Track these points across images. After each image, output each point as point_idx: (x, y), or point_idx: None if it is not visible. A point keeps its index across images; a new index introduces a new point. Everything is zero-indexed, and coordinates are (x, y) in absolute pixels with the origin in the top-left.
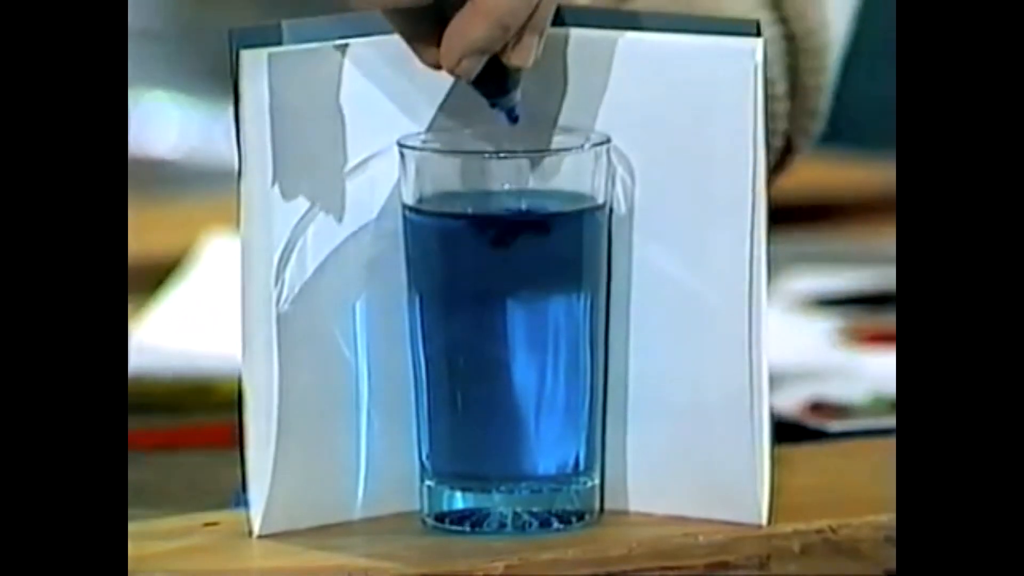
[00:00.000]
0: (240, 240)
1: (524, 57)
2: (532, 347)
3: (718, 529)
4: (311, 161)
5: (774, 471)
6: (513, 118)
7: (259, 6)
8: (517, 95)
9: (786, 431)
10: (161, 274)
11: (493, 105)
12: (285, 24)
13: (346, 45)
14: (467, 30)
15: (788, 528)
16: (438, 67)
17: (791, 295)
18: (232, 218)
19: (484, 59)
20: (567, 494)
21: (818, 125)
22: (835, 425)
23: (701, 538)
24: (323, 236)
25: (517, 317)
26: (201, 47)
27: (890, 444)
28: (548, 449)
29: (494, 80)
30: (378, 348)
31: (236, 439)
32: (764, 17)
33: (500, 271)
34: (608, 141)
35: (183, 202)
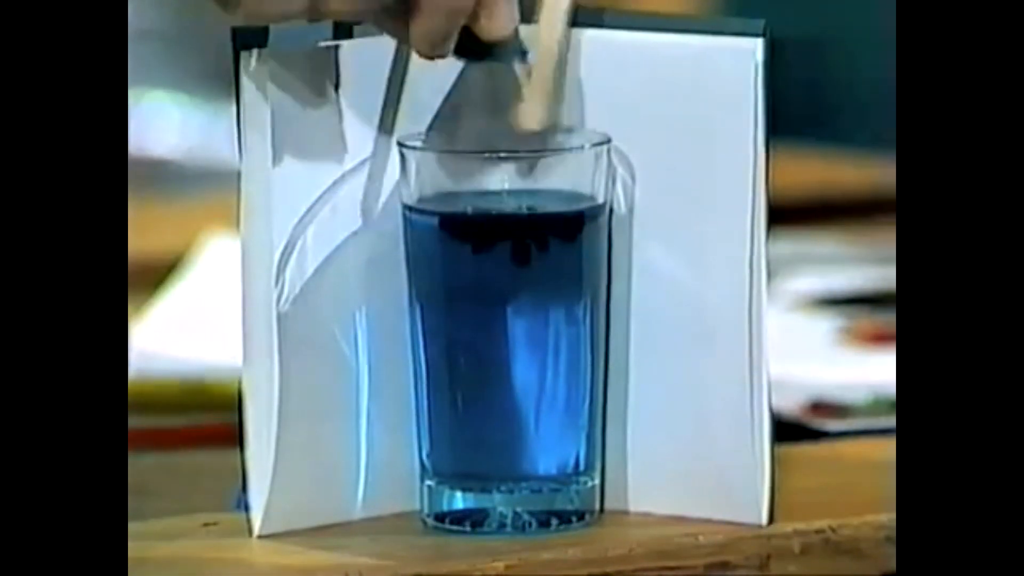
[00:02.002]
0: (240, 240)
1: (500, 28)
2: (532, 347)
3: (718, 529)
4: (311, 161)
5: (774, 471)
6: (523, 54)
7: None
8: (517, 42)
9: (786, 431)
10: (161, 274)
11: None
12: (286, 24)
13: (346, 45)
14: (421, 25)
15: (788, 528)
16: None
17: (791, 295)
18: (232, 218)
19: (452, 40)
20: (567, 494)
21: None
22: (835, 425)
23: (701, 538)
24: (323, 236)
25: (517, 317)
26: (201, 47)
27: (890, 444)
28: (548, 449)
29: (481, 47)
30: (378, 348)
31: (236, 439)
32: None
33: (500, 271)
34: (608, 141)
35: (183, 202)
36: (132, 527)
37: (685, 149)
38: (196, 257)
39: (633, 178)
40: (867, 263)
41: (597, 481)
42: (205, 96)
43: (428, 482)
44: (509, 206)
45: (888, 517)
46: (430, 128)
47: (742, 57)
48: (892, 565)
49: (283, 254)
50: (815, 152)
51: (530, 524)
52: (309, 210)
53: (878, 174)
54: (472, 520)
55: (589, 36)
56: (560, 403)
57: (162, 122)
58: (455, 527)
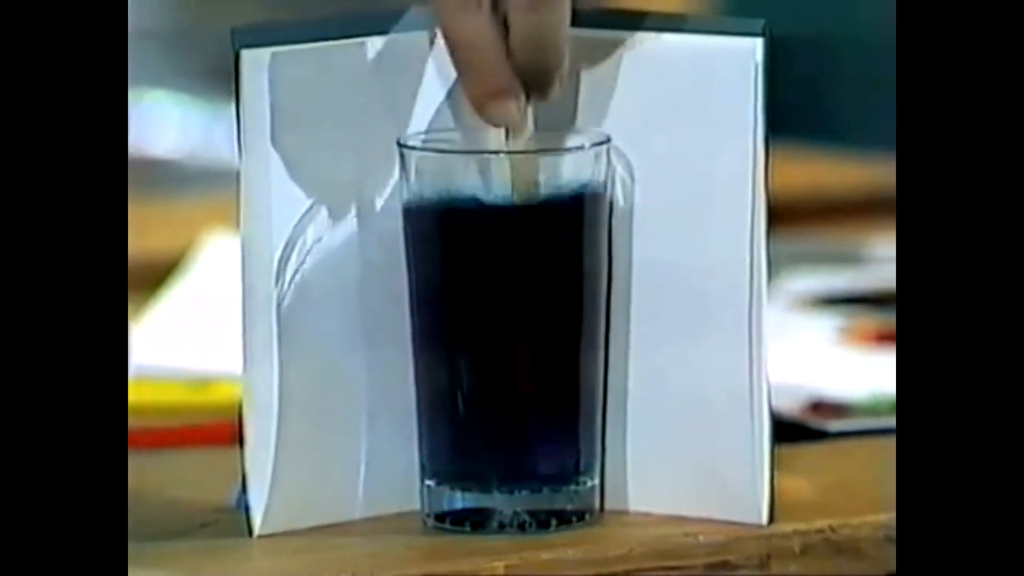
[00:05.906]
0: (240, 240)
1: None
2: (532, 346)
3: (718, 529)
4: (311, 161)
5: (774, 471)
6: None
7: (259, 6)
8: None
9: (786, 431)
10: (161, 274)
11: None
12: (285, 24)
13: (346, 45)
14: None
15: (788, 528)
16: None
17: (791, 295)
18: (232, 218)
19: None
20: (567, 494)
21: None
22: (835, 425)
23: (701, 538)
24: (323, 236)
25: (517, 316)
26: (201, 47)
27: (890, 444)
28: (548, 449)
29: None
30: (378, 348)
31: (236, 439)
32: None
33: (500, 270)
34: (608, 141)
35: (183, 202)
36: (132, 527)
37: (685, 148)
38: (196, 257)
39: (633, 178)
40: (867, 263)
41: (597, 481)
42: (205, 96)
43: (428, 482)
44: (509, 206)
45: (888, 517)
46: (430, 128)
47: (742, 57)
48: (892, 565)
49: (283, 254)
50: (815, 152)
51: (530, 524)
52: (309, 210)
53: (878, 174)
54: (472, 520)
55: (589, 36)
56: (560, 403)
57: (162, 122)
58: (455, 527)
